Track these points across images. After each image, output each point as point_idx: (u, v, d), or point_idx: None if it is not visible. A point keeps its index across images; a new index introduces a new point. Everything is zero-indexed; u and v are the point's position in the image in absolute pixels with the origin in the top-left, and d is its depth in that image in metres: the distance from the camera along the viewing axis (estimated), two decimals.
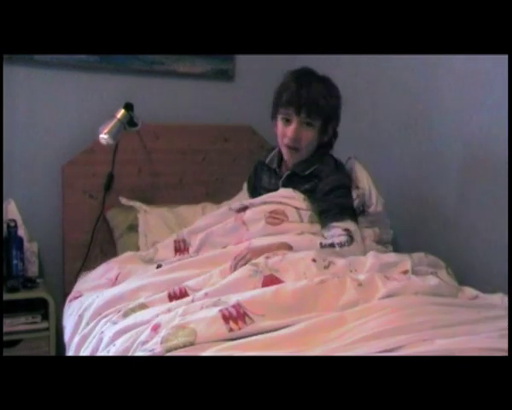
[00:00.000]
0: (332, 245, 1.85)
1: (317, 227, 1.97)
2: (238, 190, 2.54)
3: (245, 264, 1.72)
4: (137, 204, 2.47)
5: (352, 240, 1.87)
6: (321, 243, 1.84)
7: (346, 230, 1.89)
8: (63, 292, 2.52)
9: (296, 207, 1.99)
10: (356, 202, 2.06)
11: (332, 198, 1.97)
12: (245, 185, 2.50)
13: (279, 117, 2.07)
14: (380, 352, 1.24)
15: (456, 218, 2.15)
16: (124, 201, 2.50)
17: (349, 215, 1.95)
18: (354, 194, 2.07)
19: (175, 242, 2.07)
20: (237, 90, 2.91)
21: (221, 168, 2.80)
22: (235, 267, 1.73)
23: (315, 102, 1.97)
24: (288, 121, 2.03)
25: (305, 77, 2.02)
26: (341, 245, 1.85)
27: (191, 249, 2.01)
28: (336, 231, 1.90)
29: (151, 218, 2.40)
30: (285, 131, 2.03)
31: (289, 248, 1.81)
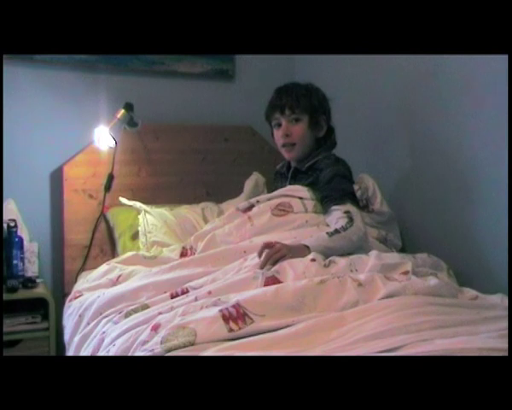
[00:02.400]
0: (337, 231, 1.87)
1: (321, 217, 2.01)
2: (238, 190, 2.54)
3: (279, 258, 1.73)
4: (137, 204, 2.47)
5: (351, 221, 1.90)
6: (327, 233, 1.87)
7: (347, 212, 1.94)
8: (63, 292, 2.53)
9: (300, 198, 2.04)
10: (358, 194, 2.12)
11: (332, 185, 2.03)
12: (246, 186, 2.51)
13: (273, 126, 2.22)
14: (380, 352, 1.24)
15: (456, 219, 2.15)
16: (124, 201, 2.51)
17: (349, 199, 2.00)
18: (356, 186, 2.14)
19: (183, 248, 2.07)
20: (237, 90, 2.91)
21: (221, 168, 2.80)
22: (267, 259, 1.74)
23: (296, 99, 2.13)
24: (279, 125, 2.18)
25: (284, 87, 2.20)
26: (344, 229, 1.88)
27: (197, 254, 2.01)
28: (337, 214, 1.94)
29: (151, 218, 2.40)
30: (278, 134, 2.18)
31: (309, 250, 1.81)
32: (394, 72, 2.42)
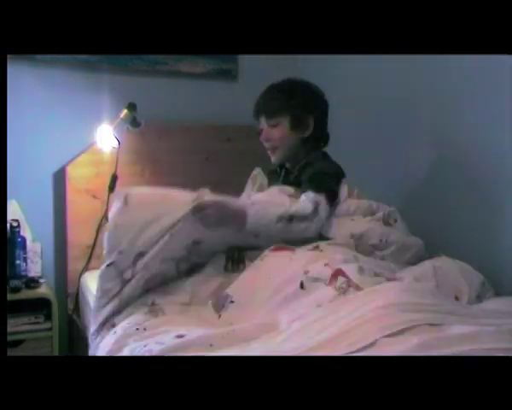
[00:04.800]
0: (290, 219, 1.78)
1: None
2: (241, 189, 2.53)
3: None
4: None
5: (316, 212, 1.83)
6: (278, 216, 1.77)
7: (316, 202, 1.86)
8: (66, 292, 2.53)
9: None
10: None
11: (313, 180, 1.97)
12: (248, 184, 2.50)
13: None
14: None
15: (457, 219, 2.15)
16: None
17: (326, 190, 1.92)
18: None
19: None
20: (240, 89, 2.91)
21: (224, 168, 2.80)
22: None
23: (270, 105, 2.10)
24: (262, 129, 2.16)
25: (264, 91, 2.16)
26: (302, 218, 1.79)
27: None
28: (306, 197, 1.88)
29: None
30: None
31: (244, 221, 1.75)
32: (399, 70, 2.41)
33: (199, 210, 1.72)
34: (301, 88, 2.13)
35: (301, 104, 2.09)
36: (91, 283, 2.39)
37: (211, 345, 1.40)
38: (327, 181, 1.98)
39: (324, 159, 2.10)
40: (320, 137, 2.15)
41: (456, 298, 1.67)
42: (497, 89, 1.96)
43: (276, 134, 2.10)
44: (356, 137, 2.62)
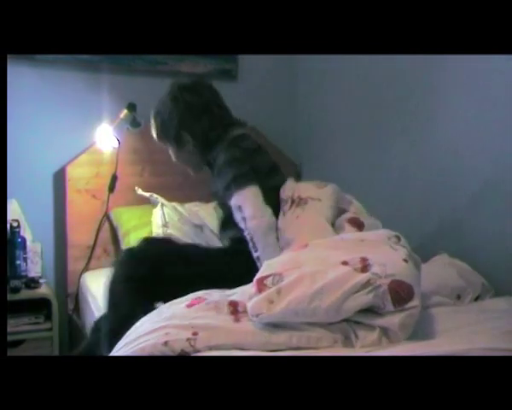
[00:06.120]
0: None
1: None
2: None
3: None
4: (154, 196, 2.48)
5: (244, 220, 1.72)
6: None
7: (239, 207, 1.74)
8: (66, 292, 2.53)
9: None
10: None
11: (221, 176, 1.85)
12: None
13: None
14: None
15: (457, 220, 2.15)
16: (140, 192, 2.52)
17: (236, 186, 1.77)
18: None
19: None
20: (240, 89, 2.90)
21: None
22: None
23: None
24: None
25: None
26: (253, 244, 1.71)
27: None
28: (236, 217, 1.76)
29: (168, 211, 2.43)
30: None
31: None
32: (398, 70, 2.41)
33: None
34: (158, 113, 1.99)
35: (165, 124, 1.97)
36: (91, 283, 2.40)
37: None
38: (234, 170, 1.81)
39: (228, 149, 1.91)
40: (212, 132, 1.98)
41: (458, 296, 1.67)
42: (496, 88, 1.96)
43: (173, 156, 2.07)
44: (354, 137, 2.62)
